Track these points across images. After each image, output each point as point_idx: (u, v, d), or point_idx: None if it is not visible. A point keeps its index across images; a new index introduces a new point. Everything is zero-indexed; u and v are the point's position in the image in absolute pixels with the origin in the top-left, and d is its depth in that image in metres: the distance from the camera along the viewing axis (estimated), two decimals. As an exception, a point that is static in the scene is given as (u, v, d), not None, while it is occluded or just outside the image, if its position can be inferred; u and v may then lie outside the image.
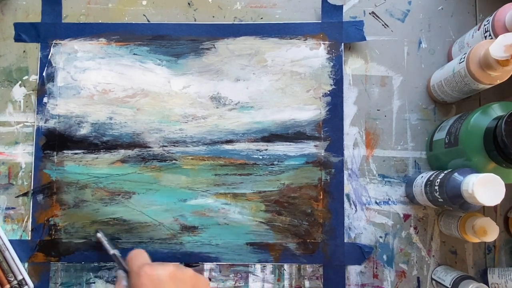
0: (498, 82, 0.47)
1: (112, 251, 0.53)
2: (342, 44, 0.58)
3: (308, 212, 0.56)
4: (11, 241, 0.56)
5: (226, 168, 0.57)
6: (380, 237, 0.57)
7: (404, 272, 0.56)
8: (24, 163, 0.57)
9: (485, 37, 0.49)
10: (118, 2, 0.59)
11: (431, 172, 0.51)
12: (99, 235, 0.55)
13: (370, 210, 0.57)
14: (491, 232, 0.48)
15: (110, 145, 0.57)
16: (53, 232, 0.56)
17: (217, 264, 0.56)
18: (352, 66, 0.59)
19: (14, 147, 0.58)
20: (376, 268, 0.57)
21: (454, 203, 0.45)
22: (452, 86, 0.51)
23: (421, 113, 0.58)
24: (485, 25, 0.49)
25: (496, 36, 0.47)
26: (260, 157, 0.57)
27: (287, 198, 0.57)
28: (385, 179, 0.57)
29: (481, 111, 0.47)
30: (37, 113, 0.57)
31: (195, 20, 0.59)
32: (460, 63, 0.48)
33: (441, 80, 0.53)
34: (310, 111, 0.57)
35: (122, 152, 0.57)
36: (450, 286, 0.51)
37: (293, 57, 0.58)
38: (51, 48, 0.58)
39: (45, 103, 0.57)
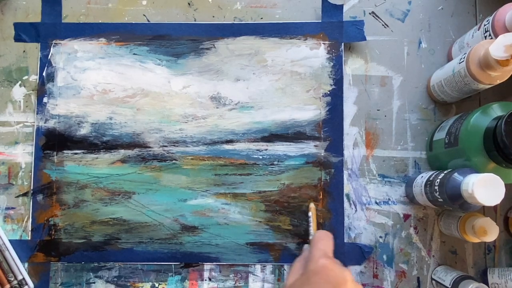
0: (498, 82, 0.47)
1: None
2: (342, 44, 0.58)
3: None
4: (11, 241, 0.56)
5: (226, 168, 0.57)
6: (380, 237, 0.57)
7: (404, 272, 0.56)
8: (24, 163, 0.57)
9: (485, 37, 0.49)
10: (118, 2, 0.59)
11: (431, 172, 0.51)
12: (312, 205, 0.55)
13: (370, 210, 0.57)
14: (491, 232, 0.48)
15: (110, 145, 0.57)
16: (53, 232, 0.56)
17: (217, 264, 0.56)
18: (352, 66, 0.59)
19: (14, 147, 0.58)
20: (376, 268, 0.57)
21: (454, 203, 0.45)
22: (452, 86, 0.51)
23: (421, 113, 0.58)
24: (485, 25, 0.49)
25: (496, 36, 0.47)
26: (260, 157, 0.57)
27: (287, 198, 0.57)
28: (385, 179, 0.57)
29: (481, 111, 0.47)
30: (37, 113, 0.57)
31: (195, 20, 0.59)
32: (460, 63, 0.48)
33: (441, 80, 0.53)
34: (310, 111, 0.57)
35: (122, 152, 0.57)
36: (450, 286, 0.51)
37: (293, 57, 0.58)
38: (51, 48, 0.58)
39: (45, 103, 0.57)
